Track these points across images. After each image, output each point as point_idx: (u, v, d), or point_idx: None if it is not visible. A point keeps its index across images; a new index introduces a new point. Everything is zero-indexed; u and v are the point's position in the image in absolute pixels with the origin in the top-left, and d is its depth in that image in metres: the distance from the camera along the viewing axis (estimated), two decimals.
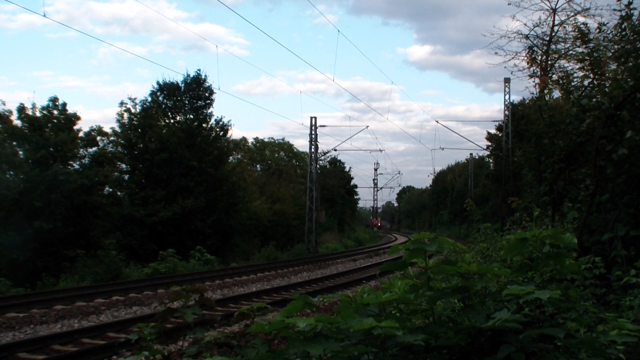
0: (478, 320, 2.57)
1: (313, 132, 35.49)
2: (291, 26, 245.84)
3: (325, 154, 50.21)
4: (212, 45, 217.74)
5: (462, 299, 2.87)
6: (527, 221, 9.33)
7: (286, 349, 2.37)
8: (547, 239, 2.82)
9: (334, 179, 59.68)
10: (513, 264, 3.18)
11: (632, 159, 6.30)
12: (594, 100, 7.37)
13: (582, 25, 9.25)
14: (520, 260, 3.05)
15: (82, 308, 12.78)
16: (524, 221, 9.44)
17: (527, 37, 15.73)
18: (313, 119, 35.56)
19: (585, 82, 8.56)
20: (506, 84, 30.77)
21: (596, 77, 7.84)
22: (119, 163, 28.11)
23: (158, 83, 31.33)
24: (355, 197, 74.66)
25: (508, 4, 15.41)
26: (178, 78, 32.89)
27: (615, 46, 7.77)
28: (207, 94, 31.93)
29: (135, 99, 30.45)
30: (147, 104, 30.52)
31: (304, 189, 40.36)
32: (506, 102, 31.16)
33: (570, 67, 12.02)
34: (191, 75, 31.89)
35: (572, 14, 14.69)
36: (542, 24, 15.30)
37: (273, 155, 56.21)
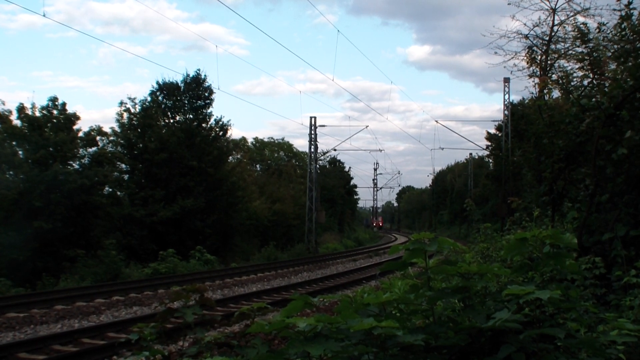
0: (478, 320, 2.57)
1: (313, 132, 35.48)
2: (291, 26, 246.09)
3: (325, 153, 50.25)
4: (212, 45, 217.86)
5: (462, 299, 2.87)
6: (527, 221, 9.34)
7: (286, 349, 2.37)
8: (547, 239, 2.82)
9: (334, 179, 59.70)
10: (513, 264, 3.18)
11: (632, 159, 6.31)
12: (594, 100, 7.37)
13: (581, 25, 9.28)
14: (520, 260, 3.05)
15: (83, 308, 12.78)
16: (524, 221, 9.45)
17: (526, 36, 15.73)
18: (313, 119, 35.56)
19: (585, 82, 8.55)
20: (506, 84, 30.76)
21: (596, 76, 7.84)
22: (118, 163, 28.12)
23: (158, 83, 31.41)
24: (355, 197, 74.73)
25: (508, 4, 15.38)
26: (178, 78, 32.99)
27: (615, 46, 7.78)
28: (206, 94, 31.95)
29: (134, 98, 30.53)
30: (147, 103, 30.54)
31: (303, 189, 40.35)
32: (506, 102, 31.16)
33: (569, 67, 12.02)
34: (191, 75, 31.96)
35: (571, 13, 14.68)
36: (542, 24, 15.28)
37: (273, 155, 56.24)
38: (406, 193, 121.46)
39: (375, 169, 77.85)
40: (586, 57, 8.73)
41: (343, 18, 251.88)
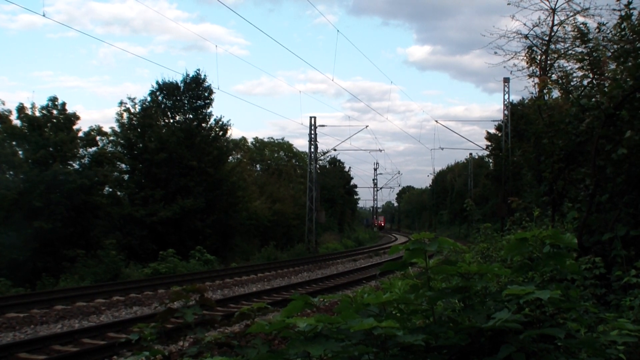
0: (478, 320, 2.57)
1: (313, 132, 35.49)
2: (291, 26, 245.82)
3: (325, 153, 50.32)
4: (212, 46, 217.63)
5: (463, 299, 2.87)
6: (527, 221, 9.33)
7: (286, 349, 2.38)
8: (547, 239, 2.82)
9: (334, 179, 59.72)
10: (513, 264, 3.19)
11: (632, 159, 6.31)
12: (594, 100, 7.37)
13: (581, 25, 9.27)
14: (520, 260, 3.05)
15: (83, 308, 12.78)
16: (524, 221, 9.44)
17: (526, 36, 15.70)
18: (313, 119, 35.57)
19: (585, 82, 8.56)
20: (505, 84, 30.75)
21: (595, 76, 7.85)
22: (118, 163, 28.13)
23: (157, 83, 31.42)
24: (355, 197, 74.78)
25: (507, 4, 15.35)
26: (178, 78, 33.00)
27: (615, 46, 7.78)
28: (206, 94, 31.96)
29: (134, 98, 30.56)
30: (147, 103, 30.56)
31: (303, 189, 40.36)
32: (506, 102, 31.16)
33: (569, 67, 11.99)
34: (191, 75, 31.96)
35: (571, 13, 14.65)
36: (542, 24, 15.26)
37: (273, 155, 56.24)
38: (406, 193, 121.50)
39: (375, 169, 77.90)
40: (586, 57, 8.73)
41: (343, 18, 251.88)
